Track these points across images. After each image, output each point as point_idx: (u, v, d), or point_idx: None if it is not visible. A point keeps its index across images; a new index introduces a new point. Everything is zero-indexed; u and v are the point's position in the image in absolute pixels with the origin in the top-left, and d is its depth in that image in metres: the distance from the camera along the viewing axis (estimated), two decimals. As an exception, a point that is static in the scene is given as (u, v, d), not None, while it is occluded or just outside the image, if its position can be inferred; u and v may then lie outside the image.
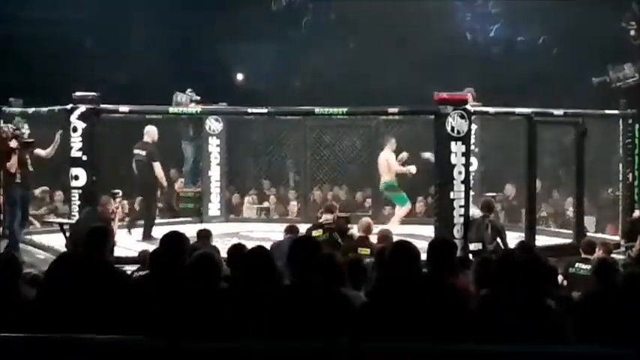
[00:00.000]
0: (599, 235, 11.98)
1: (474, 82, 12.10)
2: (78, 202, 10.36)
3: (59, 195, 13.13)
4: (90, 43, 16.59)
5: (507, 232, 10.32)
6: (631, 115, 12.02)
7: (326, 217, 9.81)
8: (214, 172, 13.83)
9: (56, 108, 11.00)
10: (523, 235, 10.78)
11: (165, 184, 12.34)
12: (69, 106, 10.49)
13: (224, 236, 11.49)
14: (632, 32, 13.08)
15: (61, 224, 11.00)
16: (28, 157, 10.81)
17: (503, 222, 12.20)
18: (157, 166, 11.77)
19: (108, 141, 11.39)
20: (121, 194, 10.53)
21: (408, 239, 4.66)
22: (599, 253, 8.71)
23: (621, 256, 10.10)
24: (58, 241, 10.79)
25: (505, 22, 16.53)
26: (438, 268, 4.70)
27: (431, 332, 3.96)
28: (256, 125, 14.21)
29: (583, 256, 8.76)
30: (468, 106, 10.24)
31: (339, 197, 14.29)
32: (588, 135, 11.70)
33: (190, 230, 10.53)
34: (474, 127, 10.78)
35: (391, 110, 11.46)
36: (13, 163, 10.55)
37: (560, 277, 7.88)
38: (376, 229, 9.42)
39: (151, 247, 6.46)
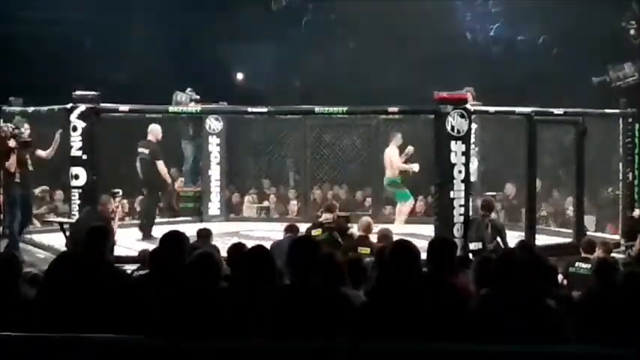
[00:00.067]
0: (599, 234, 11.97)
1: (474, 82, 12.09)
2: (78, 202, 10.36)
3: (59, 194, 13.13)
4: (90, 43, 16.58)
5: (507, 232, 10.32)
6: (631, 115, 12.02)
7: (326, 217, 9.81)
8: (214, 172, 13.84)
9: (56, 107, 11.00)
10: (523, 234, 10.78)
11: (170, 180, 12.37)
12: (69, 106, 10.49)
13: (224, 235, 11.49)
14: (632, 32, 13.07)
15: (61, 223, 11.00)
16: (27, 157, 10.80)
17: (503, 221, 12.20)
18: (160, 165, 11.78)
19: (108, 140, 11.39)
20: (121, 193, 10.54)
21: (408, 238, 4.66)
22: (599, 252, 8.71)
23: (621, 256, 10.10)
24: (58, 241, 10.79)
25: (505, 22, 16.52)
26: (438, 268, 4.70)
27: (431, 332, 3.96)
28: (256, 124, 14.20)
29: (583, 255, 8.77)
30: (467, 106, 10.24)
31: (339, 196, 14.29)
32: (588, 134, 11.70)
33: (190, 229, 10.55)
34: (473, 126, 10.78)
35: (391, 109, 11.46)
36: (12, 163, 10.54)
37: (560, 277, 7.89)
38: (376, 228, 9.42)
39: (150, 247, 6.46)
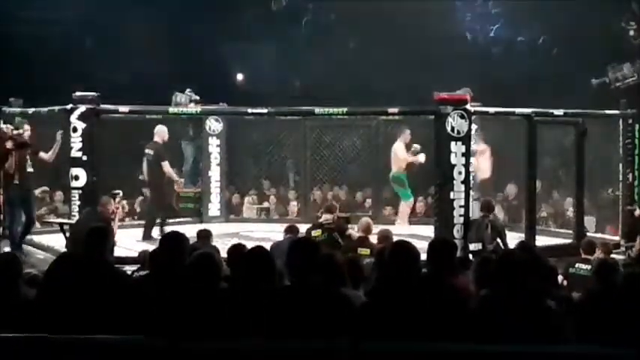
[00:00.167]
0: (599, 235, 11.97)
1: (474, 82, 12.08)
2: (78, 203, 10.37)
3: (59, 195, 13.13)
4: (90, 43, 16.58)
5: (508, 232, 10.33)
6: (631, 115, 12.02)
7: (326, 217, 9.81)
8: (214, 172, 13.85)
9: (56, 108, 11.01)
10: (523, 235, 10.78)
11: (176, 178, 12.36)
12: (69, 106, 10.50)
13: (224, 236, 11.49)
14: (632, 32, 13.06)
15: (61, 224, 11.00)
16: (28, 158, 10.78)
17: (503, 222, 12.20)
18: (166, 165, 11.81)
19: (108, 141, 11.39)
20: (121, 194, 10.54)
21: (408, 239, 4.67)
22: (598, 253, 8.71)
23: (621, 256, 10.10)
24: (58, 242, 10.79)
25: (505, 22, 16.52)
26: (438, 268, 4.71)
27: (431, 332, 3.96)
28: (256, 125, 14.20)
29: (583, 256, 8.76)
30: (467, 106, 10.24)
31: (339, 197, 14.29)
32: (588, 135, 11.70)
33: (190, 230, 10.56)
34: (473, 127, 10.78)
35: (391, 110, 11.47)
36: (10, 165, 10.53)
37: (560, 277, 7.88)
38: (376, 229, 9.42)
39: (150, 248, 6.46)
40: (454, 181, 10.04)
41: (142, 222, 12.47)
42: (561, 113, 11.53)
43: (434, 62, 15.24)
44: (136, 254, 8.44)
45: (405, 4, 15.47)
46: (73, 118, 10.41)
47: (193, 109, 12.39)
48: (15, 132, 10.73)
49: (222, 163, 13.90)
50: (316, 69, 16.35)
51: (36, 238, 11.56)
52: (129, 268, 7.23)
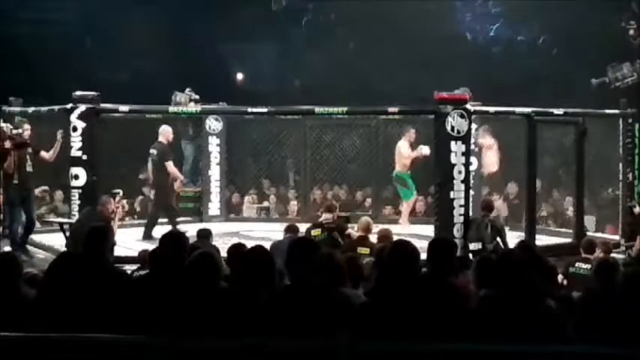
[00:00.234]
0: (599, 234, 11.97)
1: (474, 82, 12.09)
2: (78, 202, 10.37)
3: (59, 194, 13.13)
4: (90, 43, 16.57)
5: (508, 232, 10.33)
6: (631, 115, 12.01)
7: (326, 217, 9.81)
8: (214, 172, 13.85)
9: (56, 107, 11.01)
10: (523, 234, 10.79)
11: (181, 177, 12.35)
12: (69, 106, 10.50)
13: (224, 236, 11.50)
14: (632, 32, 13.06)
15: (61, 224, 11.00)
16: (27, 158, 10.77)
17: (504, 221, 12.21)
18: (169, 165, 11.83)
19: (108, 140, 11.39)
20: (121, 194, 10.54)
21: (408, 239, 4.67)
22: (598, 252, 8.71)
23: (621, 256, 10.10)
24: (58, 241, 10.79)
25: (505, 22, 16.51)
26: (437, 268, 4.70)
27: (431, 332, 3.96)
28: (256, 125, 14.20)
29: (583, 255, 8.76)
30: (467, 106, 10.24)
31: (339, 197, 14.29)
32: (588, 134, 11.70)
33: (190, 229, 10.58)
34: (473, 126, 10.78)
35: (391, 110, 11.47)
36: (9, 164, 10.53)
37: (560, 277, 7.89)
38: (376, 228, 9.42)
39: (150, 247, 6.46)
40: (454, 181, 10.04)
41: (142, 221, 12.47)
42: (561, 113, 11.53)
43: (434, 62, 15.24)
44: (136, 254, 8.45)
45: (405, 4, 15.47)
46: (73, 117, 10.41)
47: (193, 108, 12.39)
48: (14, 132, 10.72)
49: (222, 163, 13.91)
50: (316, 69, 16.35)
51: (36, 238, 11.56)
52: (129, 268, 7.23)
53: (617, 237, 11.69)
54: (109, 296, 4.50)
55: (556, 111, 11.49)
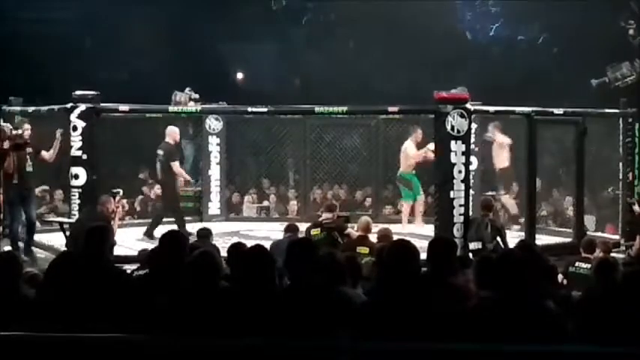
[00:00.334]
0: (599, 234, 11.98)
1: (474, 82, 12.10)
2: (78, 201, 10.37)
3: (59, 194, 13.13)
4: (90, 43, 16.58)
5: (507, 232, 10.33)
6: (631, 114, 12.01)
7: (326, 216, 9.81)
8: (214, 171, 13.85)
9: (56, 107, 11.01)
10: (523, 234, 10.79)
11: (188, 178, 12.32)
12: (69, 105, 10.50)
13: (224, 235, 11.51)
14: (631, 31, 13.06)
15: (60, 223, 11.00)
16: (28, 158, 10.76)
17: (503, 221, 12.21)
18: (175, 165, 11.81)
19: (108, 140, 11.40)
20: (121, 193, 10.53)
21: (408, 238, 4.67)
22: (598, 252, 8.71)
23: (621, 255, 10.10)
24: (58, 241, 10.80)
25: (505, 22, 16.52)
26: (437, 267, 4.71)
27: (431, 331, 3.96)
28: (256, 124, 14.20)
29: (583, 255, 8.76)
30: (467, 105, 10.24)
31: (339, 196, 14.30)
32: (588, 134, 11.70)
33: (190, 229, 10.58)
34: (473, 126, 10.78)
35: (391, 109, 11.47)
36: (9, 164, 10.53)
37: (560, 276, 7.89)
38: (376, 228, 9.42)
39: (150, 247, 6.46)
40: (454, 180, 10.04)
41: (143, 221, 12.47)
42: (561, 112, 11.53)
43: (434, 62, 15.25)
44: (135, 253, 8.44)
45: (405, 4, 15.48)
46: (73, 116, 10.41)
47: (193, 107, 12.39)
48: (14, 132, 10.72)
49: (222, 162, 13.91)
50: (316, 68, 16.36)
51: (36, 238, 11.54)
52: (129, 268, 7.22)
53: (617, 237, 11.69)
54: (109, 296, 4.50)
55: (556, 110, 11.49)
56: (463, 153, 10.08)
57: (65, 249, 9.65)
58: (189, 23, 16.45)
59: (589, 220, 12.54)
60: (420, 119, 12.49)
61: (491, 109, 11.28)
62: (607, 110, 12.21)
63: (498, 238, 9.89)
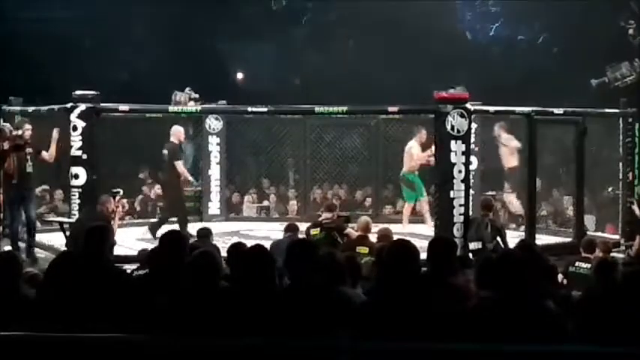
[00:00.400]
0: (599, 234, 11.98)
1: (474, 82, 12.09)
2: (78, 201, 10.37)
3: (59, 194, 13.13)
4: (90, 42, 16.58)
5: (514, 231, 10.34)
6: (631, 114, 12.01)
7: (326, 216, 9.81)
8: (214, 171, 13.85)
9: (56, 107, 11.01)
10: (523, 234, 10.80)
11: (190, 179, 12.31)
12: (69, 105, 10.50)
13: (224, 235, 11.51)
14: (631, 31, 13.07)
15: (60, 223, 11.00)
16: (28, 159, 10.75)
17: (505, 221, 12.22)
18: (178, 165, 11.81)
19: (108, 140, 11.39)
20: (121, 193, 10.53)
21: (408, 238, 4.67)
22: (598, 252, 8.71)
23: (621, 255, 10.11)
24: (58, 241, 10.80)
25: (505, 22, 16.52)
26: (437, 267, 4.71)
27: (431, 331, 3.96)
28: (256, 124, 14.21)
29: (583, 255, 8.76)
30: (467, 105, 10.24)
31: (339, 196, 14.30)
32: (588, 134, 11.70)
33: (190, 229, 10.58)
34: (473, 125, 10.78)
35: (391, 109, 11.47)
36: (9, 164, 10.52)
37: (560, 276, 7.89)
38: (376, 228, 9.42)
39: (150, 246, 6.47)
40: (454, 180, 10.04)
41: (142, 221, 12.47)
42: (561, 112, 11.54)
43: (434, 62, 15.25)
44: (135, 253, 8.45)
45: (405, 4, 15.48)
46: (73, 116, 10.41)
47: (193, 107, 12.39)
48: (15, 132, 10.71)
49: (222, 162, 13.91)
50: (316, 68, 16.36)
51: (36, 237, 11.55)
52: (129, 267, 7.22)
53: (617, 237, 11.69)
54: (109, 296, 4.50)
55: (556, 110, 11.49)
56: (463, 153, 10.08)
57: (65, 249, 9.66)
58: (189, 23, 16.45)
59: (589, 220, 12.54)
60: (424, 120, 12.46)
61: (492, 109, 11.28)
62: (607, 110, 12.21)
63: (498, 238, 9.90)
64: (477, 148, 12.14)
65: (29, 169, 10.75)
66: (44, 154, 11.00)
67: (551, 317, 4.14)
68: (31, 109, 11.90)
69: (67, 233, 10.40)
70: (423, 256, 4.54)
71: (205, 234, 8.89)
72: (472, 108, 10.36)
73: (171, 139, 11.92)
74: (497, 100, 11.34)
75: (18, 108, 12.15)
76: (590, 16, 14.15)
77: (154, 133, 12.38)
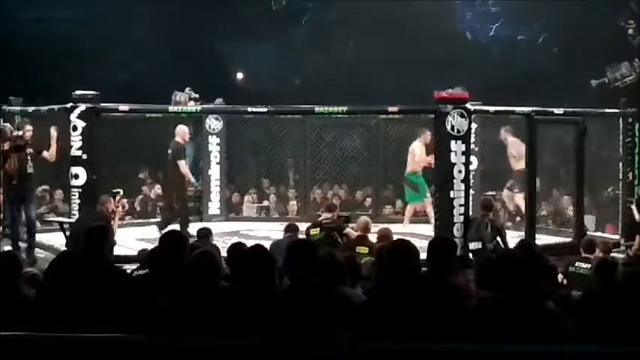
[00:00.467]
0: (599, 234, 11.98)
1: (474, 82, 12.09)
2: (78, 201, 10.37)
3: (59, 194, 13.13)
4: (90, 43, 16.58)
5: (508, 232, 10.33)
6: (631, 114, 12.02)
7: (326, 216, 9.81)
8: (214, 171, 13.85)
9: (56, 107, 11.01)
10: (523, 234, 10.79)
11: (192, 180, 12.29)
12: (69, 105, 10.50)
13: (224, 235, 11.51)
14: (631, 31, 13.07)
15: (60, 223, 11.00)
16: (29, 159, 10.74)
17: (504, 221, 12.21)
18: (181, 164, 11.81)
19: (108, 140, 11.39)
20: (121, 193, 10.53)
21: (408, 238, 4.67)
22: (598, 252, 8.71)
23: (621, 255, 10.11)
24: (58, 241, 10.80)
25: (505, 22, 16.52)
26: (437, 267, 4.71)
27: (431, 331, 3.96)
28: (256, 124, 14.21)
29: (583, 255, 8.76)
30: (467, 105, 10.24)
31: (339, 196, 14.30)
32: (588, 134, 11.70)
33: (190, 229, 10.58)
34: (473, 125, 10.78)
35: (391, 109, 11.48)
36: (10, 165, 10.52)
37: (560, 276, 7.89)
38: (375, 228, 9.42)
39: (150, 246, 6.47)
40: (454, 180, 10.04)
41: (142, 221, 12.46)
42: (561, 112, 11.54)
43: (434, 62, 15.25)
44: (136, 253, 8.45)
45: (405, 4, 15.48)
46: (73, 116, 10.41)
47: (193, 107, 12.39)
48: (15, 133, 10.71)
49: (222, 162, 13.91)
50: (316, 68, 16.37)
51: (36, 237, 11.55)
52: (129, 267, 7.22)
53: (617, 236, 11.69)
54: (109, 296, 4.50)
55: (556, 110, 11.49)
56: (463, 153, 10.08)
57: (65, 249, 9.66)
58: (189, 23, 16.45)
59: (589, 220, 12.53)
60: (427, 121, 12.45)
61: (492, 109, 11.28)
62: (607, 110, 12.21)
63: (498, 238, 9.89)
64: (477, 148, 12.14)
65: (30, 169, 10.74)
66: (45, 153, 10.99)
67: (551, 317, 4.14)
68: (31, 109, 11.90)
69: (67, 233, 10.40)
70: (423, 256, 4.55)
71: (205, 234, 8.89)
72: (472, 108, 10.36)
73: (176, 138, 11.93)
74: (498, 100, 11.34)
75: (18, 108, 12.15)
76: (590, 16, 14.15)
77: (154, 133, 12.38)
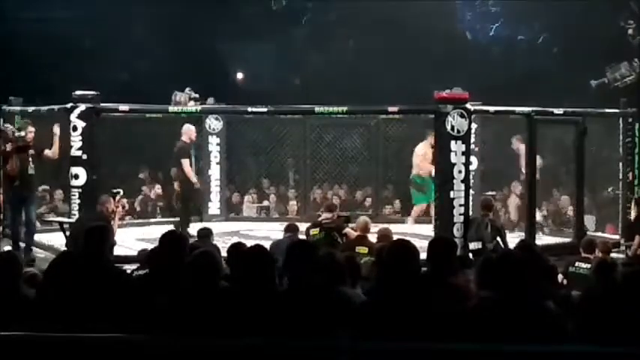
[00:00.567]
0: (599, 234, 11.98)
1: (474, 82, 12.09)
2: (78, 201, 10.37)
3: (59, 194, 13.13)
4: (90, 43, 16.59)
5: (512, 232, 10.33)
6: (631, 114, 12.02)
7: (326, 216, 9.81)
8: (214, 171, 13.85)
9: (56, 107, 11.01)
10: (523, 234, 10.80)
11: (194, 179, 12.27)
12: (69, 105, 10.50)
13: (224, 235, 11.50)
14: (630, 31, 13.08)
15: (60, 223, 10.99)
16: (30, 161, 10.74)
17: (504, 221, 12.20)
18: (184, 164, 11.81)
19: (108, 140, 11.39)
20: (121, 193, 10.53)
21: (408, 238, 4.67)
22: (598, 252, 8.71)
23: (621, 255, 10.10)
24: (58, 241, 10.80)
25: (505, 22, 16.53)
26: (437, 267, 4.71)
27: (431, 331, 3.96)
28: (256, 124, 14.21)
29: (583, 255, 8.76)
30: (467, 105, 10.24)
31: (339, 196, 14.31)
32: (588, 134, 11.70)
33: (190, 229, 10.58)
34: (473, 126, 10.78)
35: (391, 109, 11.48)
36: (12, 166, 10.52)
37: (560, 276, 7.89)
38: (375, 228, 9.42)
39: (150, 246, 6.47)
40: (454, 180, 10.04)
41: (142, 221, 12.45)
42: (561, 112, 11.53)
43: (434, 62, 15.25)
44: (136, 253, 8.44)
45: (405, 4, 15.49)
46: (73, 116, 10.41)
47: (193, 107, 12.39)
48: (17, 134, 10.70)
49: (222, 162, 13.91)
50: (316, 68, 16.37)
51: (36, 237, 11.55)
52: (129, 267, 7.22)
53: (617, 236, 11.69)
54: (109, 296, 4.50)
55: (556, 111, 11.49)
56: (463, 153, 10.08)
57: (65, 249, 9.66)
58: (189, 23, 16.46)
59: (589, 220, 12.53)
60: (430, 122, 12.44)
61: (492, 109, 11.27)
62: (607, 110, 12.21)
63: (498, 238, 9.89)
64: (476, 148, 12.13)
65: (31, 170, 10.73)
66: (47, 151, 10.99)
67: (551, 317, 4.14)
68: (31, 109, 11.90)
69: (67, 233, 10.40)
70: (423, 256, 4.54)
71: (205, 234, 8.89)
72: (472, 108, 10.36)
73: (182, 137, 11.95)
74: (498, 100, 11.34)
75: (18, 108, 12.14)
76: (590, 16, 14.15)
77: (154, 133, 12.38)
